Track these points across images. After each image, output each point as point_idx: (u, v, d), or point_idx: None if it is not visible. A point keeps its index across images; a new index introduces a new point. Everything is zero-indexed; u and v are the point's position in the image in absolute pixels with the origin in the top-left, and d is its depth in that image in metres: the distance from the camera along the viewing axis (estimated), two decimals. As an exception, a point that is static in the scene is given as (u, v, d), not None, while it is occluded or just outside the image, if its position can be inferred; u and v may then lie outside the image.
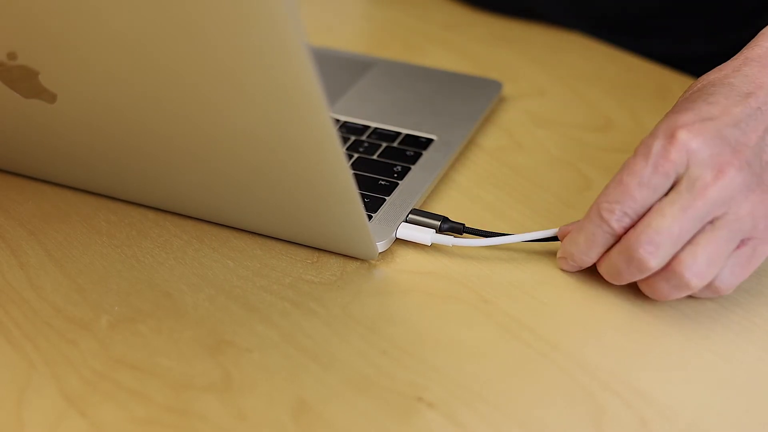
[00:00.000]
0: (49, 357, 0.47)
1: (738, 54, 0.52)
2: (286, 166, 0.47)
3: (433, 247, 0.55)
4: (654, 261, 0.47)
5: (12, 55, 0.47)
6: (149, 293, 0.51)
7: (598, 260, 0.51)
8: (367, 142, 0.63)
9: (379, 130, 0.64)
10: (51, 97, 0.49)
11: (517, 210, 0.59)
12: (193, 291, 0.51)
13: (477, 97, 0.69)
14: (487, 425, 0.44)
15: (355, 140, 0.63)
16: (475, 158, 0.64)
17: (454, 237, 0.54)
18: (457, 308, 0.51)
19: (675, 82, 0.75)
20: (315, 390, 0.46)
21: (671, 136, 0.47)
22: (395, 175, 0.59)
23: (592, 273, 0.52)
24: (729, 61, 0.52)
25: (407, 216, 0.55)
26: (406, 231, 0.54)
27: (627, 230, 0.48)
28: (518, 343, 0.49)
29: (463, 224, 0.55)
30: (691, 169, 0.47)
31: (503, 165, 0.63)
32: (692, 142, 0.47)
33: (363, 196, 0.56)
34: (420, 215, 0.55)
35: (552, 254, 0.54)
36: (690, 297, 0.51)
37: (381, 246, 0.53)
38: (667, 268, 0.48)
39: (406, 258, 0.54)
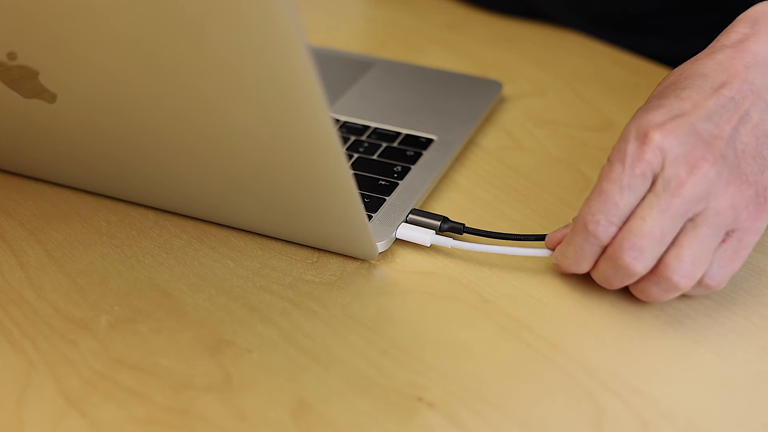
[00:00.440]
0: (49, 357, 0.47)
1: (714, 41, 0.51)
2: (286, 166, 0.47)
3: (433, 247, 0.55)
4: (640, 266, 0.47)
5: (12, 55, 0.47)
6: (149, 293, 0.51)
7: (591, 268, 0.50)
8: (367, 142, 0.63)
9: (379, 130, 0.64)
10: (51, 97, 0.49)
11: (517, 210, 0.58)
12: (193, 291, 0.51)
13: (477, 97, 0.69)
14: (487, 425, 0.44)
15: (355, 140, 0.63)
16: (475, 158, 0.64)
17: (454, 239, 0.54)
18: (457, 308, 0.51)
19: (675, 82, 0.74)
20: (315, 390, 0.46)
21: (644, 137, 0.47)
22: (395, 175, 0.59)
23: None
24: (704, 50, 0.51)
25: (407, 216, 0.55)
26: (406, 231, 0.54)
27: (614, 238, 0.48)
28: (518, 343, 0.49)
29: (463, 224, 0.55)
30: (666, 169, 0.46)
31: (503, 165, 0.63)
32: (665, 141, 0.46)
33: (363, 196, 0.56)
34: (420, 215, 0.55)
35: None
36: (686, 296, 0.51)
37: (381, 246, 0.53)
38: (655, 271, 0.48)
39: (406, 258, 0.54)
